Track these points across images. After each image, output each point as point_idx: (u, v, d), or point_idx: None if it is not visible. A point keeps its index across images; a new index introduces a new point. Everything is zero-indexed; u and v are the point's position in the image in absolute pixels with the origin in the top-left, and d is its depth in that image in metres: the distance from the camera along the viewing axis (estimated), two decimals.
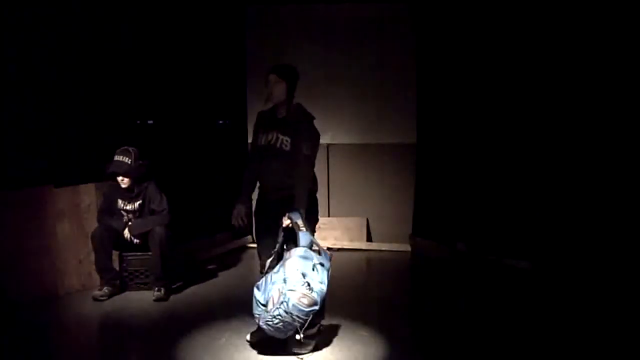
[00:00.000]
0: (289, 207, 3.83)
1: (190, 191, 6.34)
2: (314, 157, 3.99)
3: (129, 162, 5.06)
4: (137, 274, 5.26)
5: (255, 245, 4.57)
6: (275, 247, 3.89)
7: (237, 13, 6.95)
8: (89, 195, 5.33)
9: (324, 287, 3.69)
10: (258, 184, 4.18)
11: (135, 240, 5.15)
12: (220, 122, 7.13)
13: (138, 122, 6.26)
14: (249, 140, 6.87)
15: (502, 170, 5.96)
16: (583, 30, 5.23)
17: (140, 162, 5.13)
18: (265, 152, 4.00)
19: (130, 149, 5.11)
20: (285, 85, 3.93)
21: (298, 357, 3.76)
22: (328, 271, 3.78)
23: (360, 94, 6.91)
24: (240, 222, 4.07)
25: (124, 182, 5.10)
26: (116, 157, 5.06)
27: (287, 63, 4.13)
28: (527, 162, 5.74)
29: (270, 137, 3.97)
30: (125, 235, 5.12)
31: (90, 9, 5.53)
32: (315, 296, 3.61)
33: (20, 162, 5.01)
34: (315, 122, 4.06)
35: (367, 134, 6.92)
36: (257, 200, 4.22)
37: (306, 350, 3.78)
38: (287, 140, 3.89)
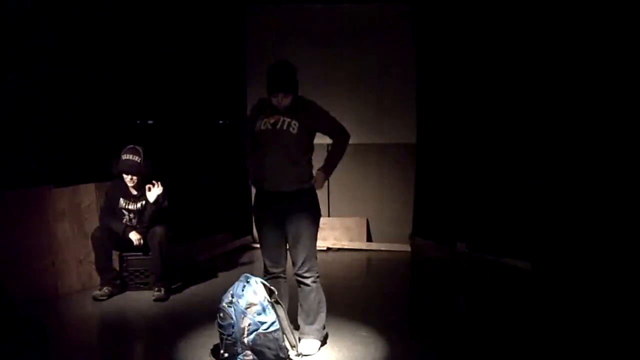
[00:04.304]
0: (294, 202, 3.74)
1: (190, 191, 6.34)
2: None
3: (139, 161, 5.04)
4: (137, 274, 5.26)
5: (257, 245, 4.48)
6: (278, 244, 3.88)
7: (237, 13, 6.96)
8: (89, 195, 5.33)
9: (235, 317, 3.55)
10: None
11: (136, 242, 5.12)
12: (220, 122, 7.13)
13: (138, 122, 6.27)
14: None
15: (502, 171, 5.95)
16: (583, 31, 5.23)
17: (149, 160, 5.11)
18: (265, 139, 3.74)
19: (138, 147, 5.09)
20: (291, 96, 3.72)
21: (299, 357, 3.77)
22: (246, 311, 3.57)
23: (360, 94, 6.91)
24: None
25: (132, 180, 5.08)
26: (124, 156, 5.02)
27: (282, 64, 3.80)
28: (527, 162, 5.74)
29: (273, 120, 3.72)
30: (131, 237, 5.10)
31: (90, 8, 5.53)
32: (231, 312, 3.56)
33: (20, 162, 5.01)
34: None
35: (367, 134, 6.92)
36: (256, 195, 3.95)
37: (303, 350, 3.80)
38: (295, 124, 3.70)
